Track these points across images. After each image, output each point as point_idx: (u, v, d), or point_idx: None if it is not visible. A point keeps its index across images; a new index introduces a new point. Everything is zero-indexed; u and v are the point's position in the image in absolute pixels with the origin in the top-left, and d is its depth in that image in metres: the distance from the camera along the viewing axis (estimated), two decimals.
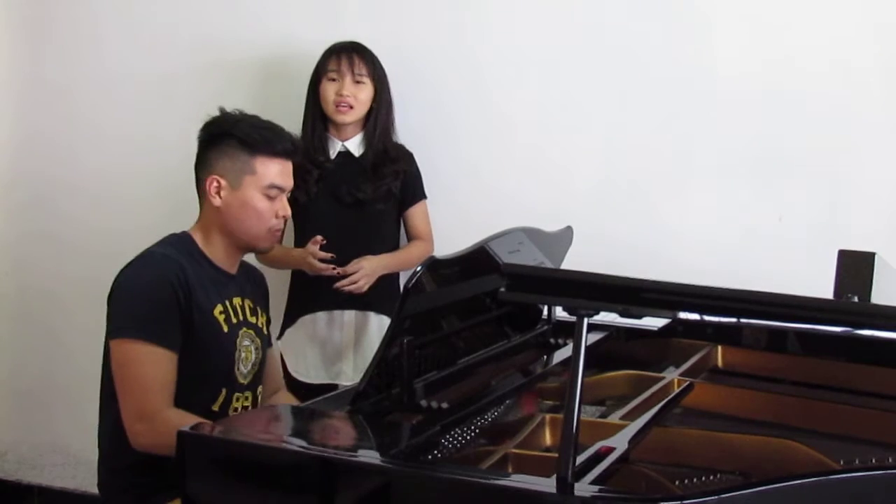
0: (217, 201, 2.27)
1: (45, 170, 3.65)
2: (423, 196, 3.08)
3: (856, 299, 2.14)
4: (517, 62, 3.13)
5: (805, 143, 2.90)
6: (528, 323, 2.41)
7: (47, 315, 3.68)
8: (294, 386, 2.94)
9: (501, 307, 2.22)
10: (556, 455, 1.48)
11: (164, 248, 2.26)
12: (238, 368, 2.29)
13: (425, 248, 3.04)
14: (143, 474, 2.20)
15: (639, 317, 1.68)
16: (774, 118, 2.92)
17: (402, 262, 3.01)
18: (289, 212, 2.33)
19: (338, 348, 3.01)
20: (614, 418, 1.90)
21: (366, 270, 2.89)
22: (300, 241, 3.01)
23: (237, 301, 2.32)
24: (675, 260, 2.93)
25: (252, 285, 2.42)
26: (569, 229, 2.48)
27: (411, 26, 3.21)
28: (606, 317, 1.72)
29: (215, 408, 2.25)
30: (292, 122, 2.76)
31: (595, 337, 2.41)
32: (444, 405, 1.85)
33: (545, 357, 2.34)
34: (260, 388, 2.40)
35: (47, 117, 3.64)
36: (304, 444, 1.68)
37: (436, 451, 1.75)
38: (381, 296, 2.95)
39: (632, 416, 1.87)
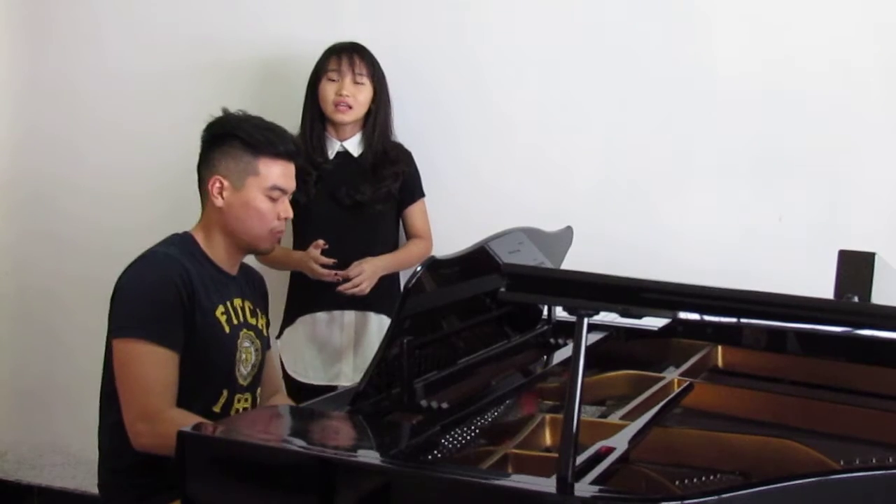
0: (219, 202, 2.27)
1: (45, 169, 3.65)
2: (421, 195, 3.09)
3: (856, 299, 2.14)
4: (517, 62, 3.13)
5: (805, 143, 2.90)
6: (528, 323, 2.41)
7: (47, 315, 3.68)
8: (293, 386, 2.94)
9: (501, 307, 2.22)
10: (556, 455, 1.48)
11: (166, 247, 2.26)
12: (238, 370, 2.29)
13: (424, 247, 3.05)
14: (144, 475, 2.20)
15: (639, 317, 1.68)
16: (774, 118, 2.92)
17: (402, 262, 3.01)
18: (290, 213, 2.33)
19: (337, 349, 3.01)
20: (614, 418, 1.90)
21: (367, 273, 2.89)
22: (299, 242, 3.01)
23: (238, 302, 2.32)
24: (675, 260, 2.93)
25: (252, 287, 2.42)
26: (569, 229, 2.48)
27: (411, 26, 3.21)
28: (606, 317, 1.72)
29: (216, 409, 2.25)
30: (291, 122, 2.76)
31: (595, 337, 2.41)
32: (444, 405, 1.85)
33: (545, 357, 2.34)
34: (259, 390, 2.40)
35: (47, 116, 3.64)
36: (304, 444, 1.68)
37: (436, 451, 1.75)
38: (380, 296, 2.95)
39: (632, 416, 1.87)
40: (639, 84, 3.03)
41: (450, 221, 3.12)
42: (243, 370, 2.31)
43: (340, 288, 2.87)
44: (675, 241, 2.98)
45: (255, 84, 3.34)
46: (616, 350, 2.44)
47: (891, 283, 2.27)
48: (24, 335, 3.73)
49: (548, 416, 1.89)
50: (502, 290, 1.64)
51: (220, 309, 2.26)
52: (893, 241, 2.74)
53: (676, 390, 2.06)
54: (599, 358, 2.28)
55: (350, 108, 2.95)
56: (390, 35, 3.17)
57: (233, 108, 2.34)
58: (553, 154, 3.11)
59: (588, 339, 1.54)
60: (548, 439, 1.86)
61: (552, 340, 2.42)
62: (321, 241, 2.87)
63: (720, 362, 2.41)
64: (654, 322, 2.45)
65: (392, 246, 3.07)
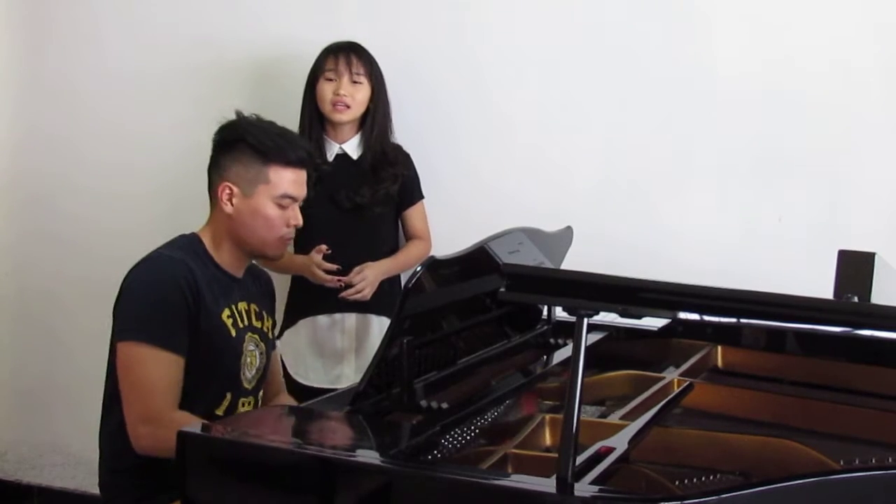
0: (228, 208, 2.26)
1: (45, 169, 3.65)
2: (420, 196, 3.09)
3: (856, 299, 2.14)
4: (517, 62, 3.13)
5: (805, 143, 2.90)
6: (528, 323, 2.41)
7: (48, 315, 3.68)
8: (294, 388, 2.94)
9: (501, 307, 2.22)
10: (556, 455, 1.48)
11: (172, 250, 2.25)
12: (244, 373, 2.29)
13: (424, 248, 3.05)
14: (145, 475, 2.19)
15: (639, 317, 1.68)
16: (774, 118, 2.92)
17: (403, 265, 3.01)
18: (300, 221, 2.31)
19: (339, 352, 3.01)
20: (614, 418, 1.90)
21: (369, 279, 2.90)
22: (298, 245, 3.00)
23: (243, 306, 2.31)
24: (675, 260, 2.93)
25: (258, 289, 2.41)
26: (569, 229, 2.48)
27: (410, 26, 3.21)
28: (606, 317, 1.72)
29: (219, 412, 2.24)
30: (291, 122, 2.76)
31: (595, 337, 2.41)
32: (444, 405, 1.85)
33: (545, 357, 2.34)
34: (261, 393, 2.39)
35: (47, 116, 3.64)
36: (304, 444, 1.68)
37: (436, 451, 1.75)
38: (381, 298, 2.95)
39: (632, 416, 1.87)
40: (639, 84, 3.03)
41: (450, 222, 3.12)
42: (248, 374, 2.30)
43: (343, 294, 2.87)
44: (675, 241, 2.98)
45: (254, 84, 3.34)
46: (616, 350, 2.44)
47: (891, 283, 2.27)
48: (24, 335, 3.73)
49: (548, 416, 1.89)
50: (502, 290, 1.64)
51: (226, 312, 2.25)
52: (893, 241, 2.74)
53: (676, 390, 2.06)
54: (599, 358, 2.28)
55: (348, 107, 2.95)
56: (390, 35, 3.17)
57: (236, 110, 2.33)
58: (553, 154, 3.11)
59: (588, 339, 1.54)
60: (548, 439, 1.86)
61: (552, 340, 2.42)
62: (323, 246, 2.87)
63: (720, 362, 2.41)
64: (654, 322, 2.45)
65: (391, 248, 3.06)
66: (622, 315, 1.62)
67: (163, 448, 2.01)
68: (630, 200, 3.05)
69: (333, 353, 3.01)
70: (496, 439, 1.86)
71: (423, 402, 1.86)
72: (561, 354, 2.32)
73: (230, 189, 2.25)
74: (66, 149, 3.62)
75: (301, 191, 2.30)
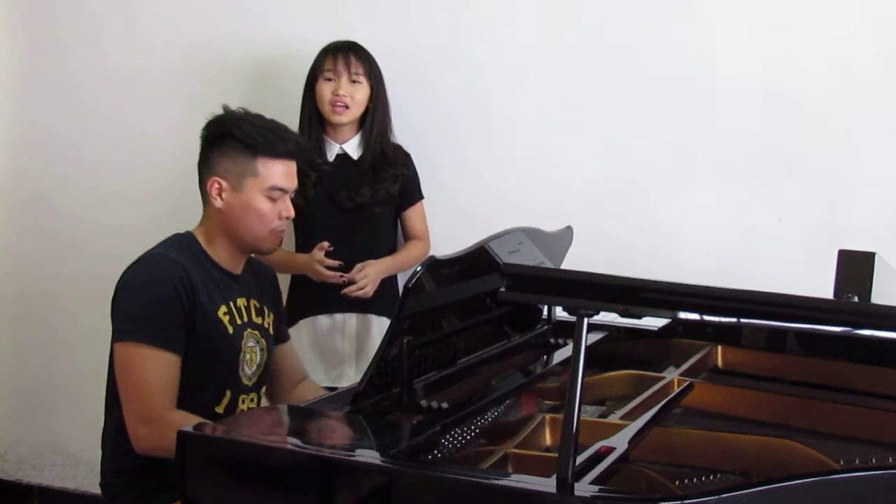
0: (219, 203, 2.26)
1: (45, 169, 3.65)
2: (420, 196, 3.09)
3: (856, 299, 2.14)
4: (517, 62, 3.13)
5: (805, 143, 2.90)
6: (528, 323, 2.41)
7: (48, 315, 3.68)
8: None
9: (501, 307, 2.22)
10: (556, 455, 1.48)
11: (166, 249, 2.25)
12: (242, 370, 2.29)
13: (423, 248, 3.05)
14: (146, 475, 2.19)
15: (639, 317, 1.68)
16: (774, 118, 2.92)
17: (403, 264, 3.02)
18: (292, 213, 2.31)
19: (340, 352, 3.01)
20: (614, 418, 1.90)
21: (371, 276, 2.90)
22: (299, 245, 3.01)
23: (242, 302, 2.31)
24: (675, 260, 2.93)
25: (259, 284, 2.41)
26: (569, 229, 2.48)
27: (410, 26, 3.21)
28: (606, 317, 1.72)
29: (219, 410, 2.24)
30: (290, 122, 2.76)
31: (595, 337, 2.40)
32: (444, 405, 1.85)
33: (545, 357, 2.34)
34: (264, 389, 2.39)
35: (47, 116, 3.64)
36: (303, 444, 1.68)
37: (436, 451, 1.75)
38: (382, 298, 2.95)
39: (632, 416, 1.87)
40: (639, 84, 3.03)
41: (450, 222, 3.12)
42: (248, 370, 2.30)
43: (345, 291, 2.87)
44: (675, 241, 2.98)
45: (254, 84, 3.34)
46: (616, 350, 2.44)
47: (891, 283, 2.27)
48: (24, 335, 3.73)
49: (548, 416, 1.88)
50: (502, 290, 1.64)
51: (223, 309, 2.25)
52: (893, 241, 2.74)
53: (676, 390, 2.06)
54: (599, 358, 2.28)
55: (347, 107, 2.95)
56: (389, 35, 3.17)
57: (223, 104, 2.33)
58: (553, 154, 3.11)
59: (588, 339, 1.54)
60: (548, 439, 1.86)
61: (552, 340, 2.42)
62: (325, 244, 2.87)
63: (720, 362, 2.41)
64: (654, 322, 2.45)
65: (391, 248, 3.07)
66: (622, 315, 1.63)
67: (163, 448, 2.01)
68: (630, 200, 3.05)
69: (334, 352, 3.01)
70: (496, 439, 1.86)
71: (423, 402, 1.86)
72: (561, 354, 2.32)
73: (219, 184, 2.25)
74: (66, 148, 3.62)
75: (291, 183, 2.29)
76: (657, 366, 2.36)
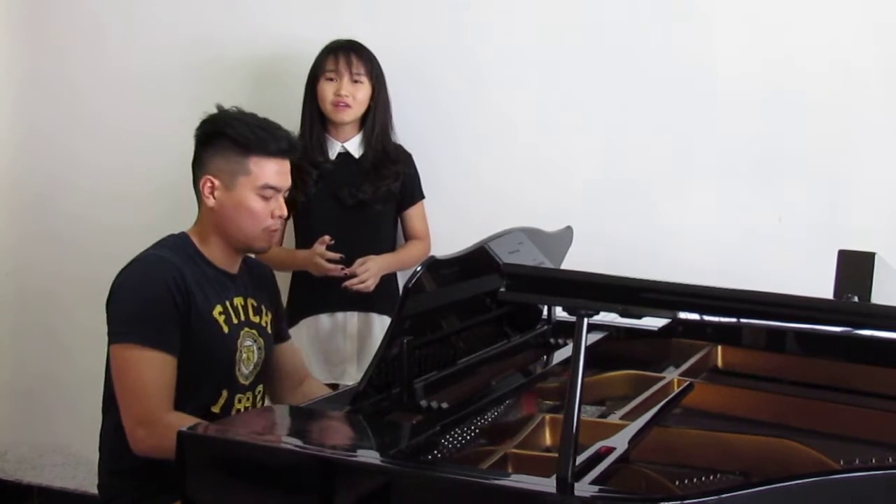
0: (211, 202, 2.26)
1: (45, 169, 3.65)
2: (421, 196, 3.09)
3: (856, 299, 2.14)
4: (517, 62, 3.13)
5: (805, 143, 2.90)
6: (528, 323, 2.41)
7: (48, 315, 3.68)
8: None
9: (501, 307, 2.22)
10: (556, 455, 1.48)
11: (160, 250, 2.25)
12: (239, 369, 2.29)
13: (423, 248, 3.06)
14: (144, 477, 2.19)
15: (639, 317, 1.68)
16: (774, 118, 2.92)
17: (403, 262, 3.02)
18: (285, 211, 2.30)
19: (341, 350, 3.01)
20: (614, 418, 1.90)
21: (373, 270, 2.90)
22: (300, 243, 3.01)
23: (238, 301, 2.31)
24: (675, 260, 2.93)
25: (257, 283, 2.40)
26: (569, 229, 2.48)
27: (410, 26, 3.21)
28: (606, 317, 1.72)
29: (216, 409, 2.24)
30: (291, 121, 2.76)
31: (595, 337, 2.40)
32: (444, 405, 1.85)
33: (545, 357, 2.34)
34: (259, 388, 2.39)
35: (47, 116, 3.64)
36: (303, 444, 1.68)
37: (436, 451, 1.75)
38: (383, 297, 2.96)
39: (632, 416, 1.87)
40: (639, 84, 3.03)
41: (450, 222, 3.12)
42: (244, 370, 2.30)
43: (347, 284, 2.87)
44: (675, 241, 2.98)
45: (255, 83, 3.34)
46: (616, 350, 2.44)
47: (891, 283, 2.27)
48: (24, 335, 3.73)
49: (548, 416, 1.88)
50: (502, 290, 1.64)
51: (218, 309, 2.25)
52: (893, 241, 2.74)
53: (676, 390, 2.06)
54: (599, 358, 2.28)
55: (349, 107, 2.96)
56: (390, 35, 3.17)
57: (217, 104, 2.33)
58: (553, 154, 3.11)
59: (588, 339, 1.54)
60: (548, 439, 1.86)
61: (552, 340, 2.42)
62: (327, 237, 2.87)
63: (720, 362, 2.41)
64: (654, 322, 2.45)
65: (390, 246, 3.07)
66: (622, 315, 1.63)
67: (161, 449, 2.01)
68: (630, 200, 3.05)
69: (336, 351, 3.01)
70: (496, 439, 1.86)
71: (423, 402, 1.86)
72: (561, 354, 2.32)
73: (212, 182, 2.25)
74: (66, 149, 3.61)
75: (283, 181, 2.28)
76: (657, 366, 2.36)
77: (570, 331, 1.96)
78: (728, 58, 2.95)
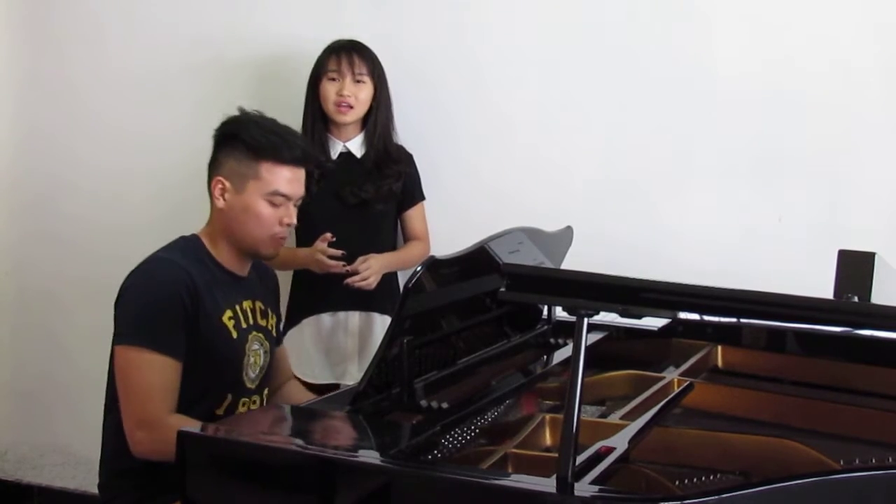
0: (221, 203, 2.26)
1: (45, 169, 3.65)
2: (421, 198, 3.10)
3: (856, 299, 2.14)
4: (517, 62, 3.13)
5: (805, 143, 2.90)
6: (528, 323, 2.41)
7: (48, 315, 3.68)
8: None
9: (501, 307, 2.22)
10: (556, 455, 1.48)
11: (170, 252, 2.24)
12: (246, 374, 2.28)
13: (423, 249, 3.06)
14: (145, 477, 2.19)
15: (639, 317, 1.68)
16: (774, 118, 2.92)
17: (404, 262, 3.02)
18: (294, 220, 2.29)
19: (343, 349, 3.01)
20: (614, 418, 1.90)
21: (375, 268, 2.90)
22: (301, 242, 3.01)
23: (247, 305, 2.31)
24: (675, 260, 2.93)
25: (263, 285, 2.41)
26: (569, 229, 2.48)
27: (411, 26, 3.21)
28: (606, 317, 1.72)
29: (220, 412, 2.24)
30: (292, 121, 2.76)
31: (595, 337, 2.40)
32: (444, 405, 1.85)
33: (545, 357, 2.34)
34: (265, 391, 2.38)
35: (47, 116, 3.64)
36: (304, 444, 1.68)
37: (436, 451, 1.75)
38: (384, 295, 2.96)
39: (632, 416, 1.87)
40: (639, 84, 3.03)
41: (450, 222, 3.12)
42: (251, 374, 2.30)
43: (348, 281, 2.87)
44: (675, 241, 2.98)
45: (255, 83, 3.34)
46: (616, 350, 2.44)
47: (891, 283, 2.27)
48: (24, 335, 3.73)
49: (548, 416, 1.89)
50: (502, 290, 1.64)
51: (228, 314, 2.24)
52: (893, 241, 2.74)
53: (676, 390, 2.06)
54: (599, 358, 2.28)
55: (351, 108, 2.96)
56: (390, 35, 3.17)
57: (235, 108, 2.33)
58: (553, 154, 3.11)
59: (588, 339, 1.54)
60: (548, 439, 1.86)
61: (552, 340, 2.42)
62: (328, 234, 2.87)
63: (720, 362, 2.41)
64: (654, 322, 2.45)
65: (391, 246, 3.07)
66: (622, 315, 1.62)
67: (160, 452, 2.01)
68: (630, 200, 3.05)
69: (338, 350, 3.02)
70: (496, 439, 1.86)
71: (423, 402, 1.86)
72: (561, 354, 2.32)
73: (222, 184, 2.25)
74: (66, 149, 3.61)
75: (295, 189, 2.27)
76: (657, 366, 2.36)
77: (570, 331, 1.96)
78: (728, 58, 2.95)
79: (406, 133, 3.10)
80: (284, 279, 3.04)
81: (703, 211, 2.99)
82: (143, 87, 3.49)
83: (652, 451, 1.78)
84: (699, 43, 2.98)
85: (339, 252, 2.86)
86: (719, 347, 2.41)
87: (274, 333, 2.40)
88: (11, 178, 3.70)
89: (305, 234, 2.98)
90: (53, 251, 3.64)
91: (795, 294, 1.65)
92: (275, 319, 2.41)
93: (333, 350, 3.02)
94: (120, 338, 2.16)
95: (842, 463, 1.75)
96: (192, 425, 1.97)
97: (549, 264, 2.32)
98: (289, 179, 2.25)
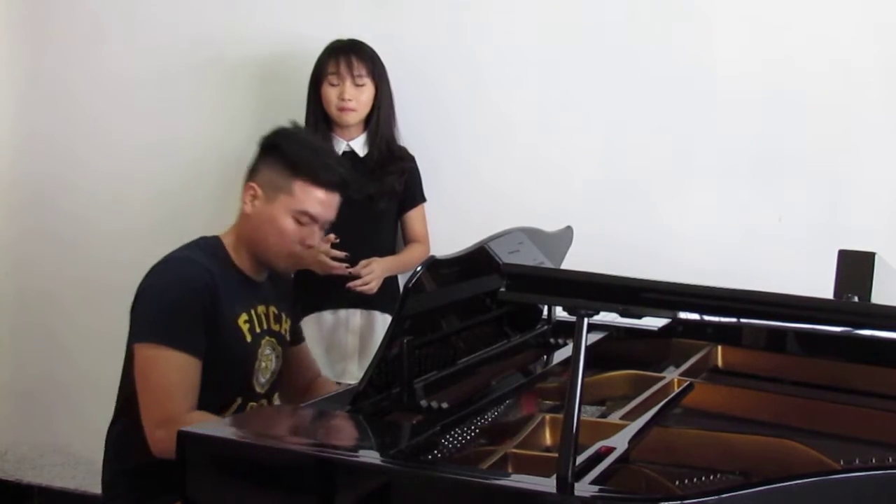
0: (248, 208, 2.26)
1: (45, 169, 3.65)
2: (422, 199, 3.10)
3: (856, 299, 2.14)
4: (517, 62, 3.13)
5: (805, 143, 2.91)
6: (528, 323, 2.41)
7: (47, 315, 3.68)
8: None
9: (501, 307, 2.22)
10: (556, 455, 1.48)
11: (191, 251, 2.24)
12: (256, 378, 2.28)
13: (424, 251, 3.06)
14: (149, 476, 2.18)
15: (639, 317, 1.68)
16: (774, 118, 2.92)
17: (406, 265, 3.02)
18: (315, 242, 2.29)
19: (343, 347, 3.02)
20: (614, 418, 1.90)
21: (377, 273, 2.90)
22: None
23: (262, 309, 2.31)
24: (675, 260, 2.93)
25: (278, 290, 2.40)
26: (569, 229, 2.48)
27: (410, 26, 3.21)
28: (606, 317, 1.72)
29: (227, 415, 2.23)
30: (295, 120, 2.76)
31: (595, 337, 2.40)
32: (444, 405, 1.85)
33: (545, 357, 2.34)
34: (275, 396, 2.38)
35: (47, 117, 3.64)
36: (303, 443, 1.68)
37: (436, 451, 1.75)
38: (385, 295, 2.96)
39: (632, 416, 1.87)
40: (639, 84, 3.03)
41: (450, 222, 3.12)
42: (261, 378, 2.30)
43: (350, 284, 2.88)
44: (675, 241, 2.99)
45: (256, 83, 3.34)
46: (616, 350, 2.44)
47: (891, 283, 2.27)
48: (24, 336, 3.73)
49: (548, 416, 1.88)
50: (502, 290, 1.64)
51: (244, 317, 2.24)
52: (893, 241, 2.75)
53: (676, 390, 2.06)
54: (599, 358, 2.28)
55: (353, 110, 2.97)
56: (390, 35, 3.17)
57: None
58: (553, 154, 3.11)
59: (588, 339, 1.54)
60: (548, 439, 1.86)
61: (552, 340, 2.42)
62: (332, 236, 2.88)
63: (720, 362, 2.41)
64: (654, 322, 2.45)
65: (391, 245, 3.08)
66: (622, 315, 1.62)
67: None
68: (630, 200, 3.05)
69: (338, 348, 3.02)
70: (496, 439, 1.86)
71: (423, 402, 1.86)
72: (561, 354, 2.32)
73: (254, 190, 2.25)
74: (66, 149, 3.61)
75: (326, 213, 2.26)
76: (657, 366, 2.36)
77: (570, 331, 1.95)
78: (728, 58, 2.95)
79: (406, 133, 3.10)
80: None
81: (703, 211, 3.00)
82: (144, 87, 3.49)
83: (652, 451, 1.78)
84: (699, 43, 2.98)
85: (342, 254, 2.87)
86: (719, 347, 2.41)
87: (287, 338, 2.40)
88: (11, 177, 3.70)
89: None
90: (53, 251, 3.64)
91: (795, 294, 1.65)
92: (289, 323, 2.41)
93: (334, 348, 3.02)
94: (139, 336, 2.16)
95: (842, 463, 1.75)
96: (213, 423, 1.97)
97: (549, 264, 2.32)
98: (321, 201, 2.24)
